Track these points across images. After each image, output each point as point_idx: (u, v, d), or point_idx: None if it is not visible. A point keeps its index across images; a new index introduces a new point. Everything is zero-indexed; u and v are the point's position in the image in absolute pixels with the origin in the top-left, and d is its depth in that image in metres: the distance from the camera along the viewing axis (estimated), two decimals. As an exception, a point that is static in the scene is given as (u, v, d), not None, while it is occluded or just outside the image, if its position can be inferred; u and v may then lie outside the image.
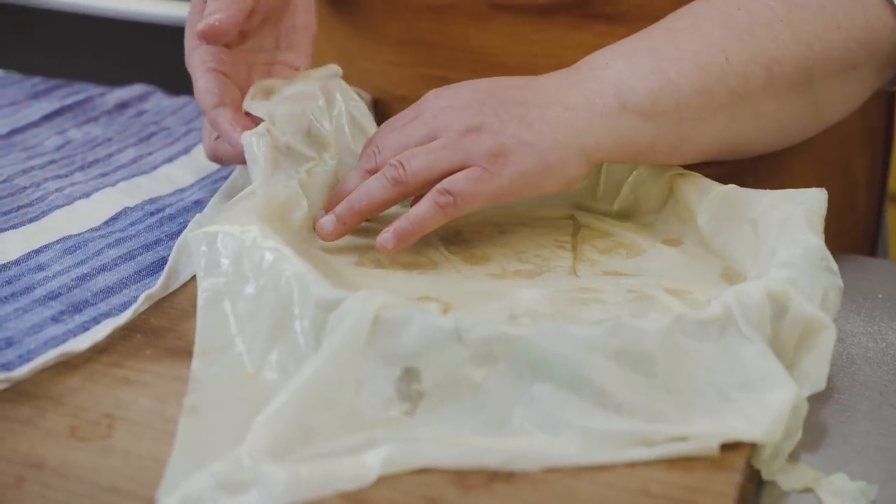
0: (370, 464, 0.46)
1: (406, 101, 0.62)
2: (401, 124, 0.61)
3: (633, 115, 0.59)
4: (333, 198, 0.62)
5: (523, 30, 0.62)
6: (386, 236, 0.58)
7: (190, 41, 0.66)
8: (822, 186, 0.80)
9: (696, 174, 0.63)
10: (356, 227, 0.60)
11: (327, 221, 0.60)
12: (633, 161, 0.62)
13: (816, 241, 0.54)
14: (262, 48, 0.68)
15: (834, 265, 0.53)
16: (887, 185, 0.89)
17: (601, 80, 0.60)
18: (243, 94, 0.65)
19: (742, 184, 0.63)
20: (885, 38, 0.63)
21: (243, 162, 0.62)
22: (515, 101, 0.59)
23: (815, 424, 0.51)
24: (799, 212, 0.56)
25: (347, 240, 0.61)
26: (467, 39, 0.63)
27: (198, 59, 0.64)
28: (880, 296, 0.62)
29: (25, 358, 0.51)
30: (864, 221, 0.86)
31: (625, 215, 0.65)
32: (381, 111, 0.82)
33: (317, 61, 0.83)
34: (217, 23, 0.63)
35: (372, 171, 0.61)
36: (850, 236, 0.84)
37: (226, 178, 0.69)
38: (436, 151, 0.59)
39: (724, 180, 0.63)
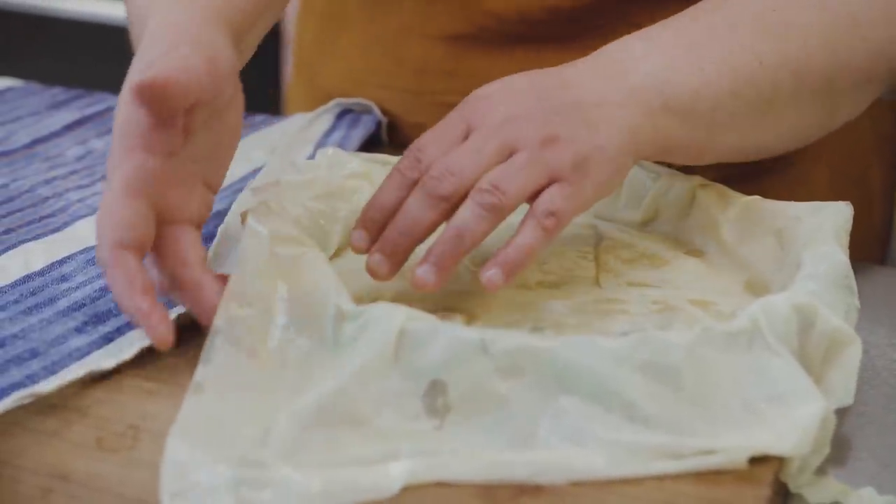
0: (394, 475, 0.46)
1: (423, 127, 0.58)
2: (450, 137, 0.56)
3: (674, 114, 0.57)
4: (371, 218, 0.56)
5: (545, 57, 0.60)
6: (492, 273, 0.52)
7: (119, 140, 0.53)
8: (837, 196, 0.80)
9: (719, 185, 0.63)
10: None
11: (426, 273, 0.53)
12: (660, 159, 0.60)
13: (842, 257, 0.53)
14: (195, 156, 0.55)
15: (854, 284, 0.53)
16: None
17: (642, 73, 0.57)
18: (176, 223, 0.53)
19: (761, 189, 0.63)
20: None
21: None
22: (570, 102, 0.56)
23: (842, 437, 0.51)
24: (827, 225, 0.56)
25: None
26: (487, 68, 0.60)
27: (121, 173, 0.52)
28: (904, 307, 0.62)
29: (50, 370, 0.51)
30: (879, 230, 0.86)
31: (647, 225, 0.65)
32: (395, 138, 0.81)
33: (331, 86, 0.83)
34: (162, 79, 0.50)
35: (413, 182, 0.55)
36: (864, 246, 0.84)
37: (251, 176, 0.69)
38: (522, 169, 0.54)
39: (743, 185, 0.63)
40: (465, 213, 0.53)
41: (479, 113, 0.56)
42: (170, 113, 0.52)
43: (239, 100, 0.57)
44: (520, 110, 0.55)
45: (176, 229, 0.53)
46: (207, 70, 0.52)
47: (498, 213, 0.53)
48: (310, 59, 0.88)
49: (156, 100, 0.50)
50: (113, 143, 0.53)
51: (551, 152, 0.54)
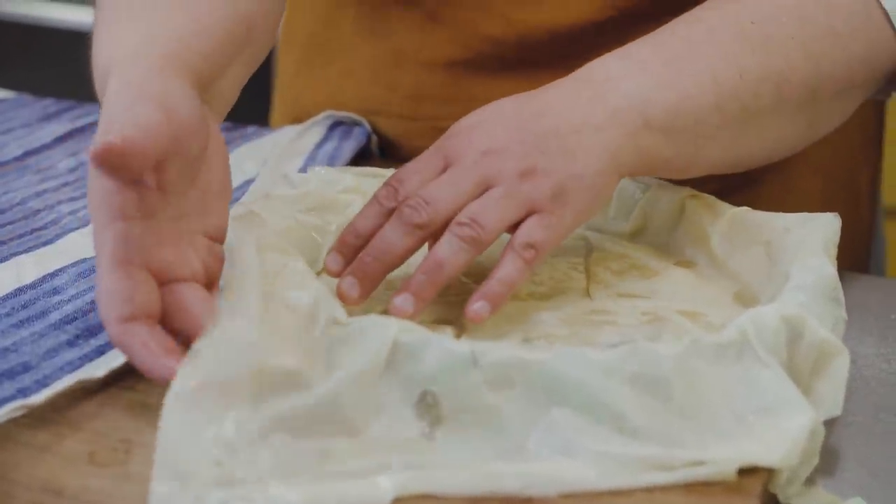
0: (385, 486, 0.46)
1: (422, 150, 0.58)
2: (430, 170, 0.57)
3: (656, 132, 0.58)
4: (346, 243, 0.57)
5: (543, 80, 0.60)
6: (478, 306, 0.53)
7: (96, 214, 0.51)
8: (828, 201, 0.80)
9: (709, 196, 0.63)
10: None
11: (405, 302, 0.54)
12: (646, 175, 0.60)
13: (831, 269, 0.54)
14: (184, 212, 0.53)
15: (842, 297, 0.54)
16: (880, 195, 0.89)
17: (622, 93, 0.58)
18: (174, 283, 0.51)
19: (750, 202, 0.63)
20: (884, 59, 0.63)
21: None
22: (548, 131, 0.57)
23: (831, 448, 0.51)
24: (816, 237, 0.56)
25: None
26: (485, 93, 0.60)
27: (105, 247, 0.50)
28: (893, 317, 0.62)
29: (42, 383, 0.51)
30: (867, 230, 0.87)
31: (637, 237, 0.65)
32: (396, 154, 0.81)
33: (317, 113, 0.82)
34: (118, 143, 0.47)
35: (390, 211, 0.56)
36: (851, 249, 0.84)
37: (244, 186, 0.69)
38: (499, 202, 0.55)
39: (730, 199, 0.63)
40: (445, 245, 0.54)
41: (458, 147, 0.57)
42: (133, 175, 0.50)
43: (219, 146, 0.55)
44: (497, 144, 0.56)
45: (176, 288, 0.52)
46: (166, 124, 0.50)
47: (476, 245, 0.55)
48: (293, 88, 0.88)
49: (116, 165, 0.48)
50: (92, 218, 0.52)
51: (529, 184, 0.55)
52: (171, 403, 0.46)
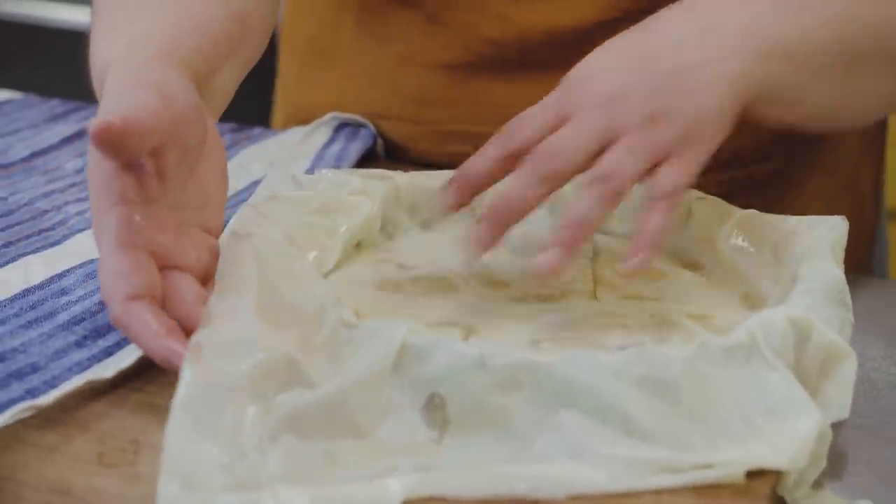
0: (393, 489, 0.46)
1: (427, 154, 0.59)
2: (546, 122, 0.56)
3: (775, 58, 0.57)
4: (461, 183, 0.56)
5: (545, 81, 0.60)
6: (640, 258, 0.53)
7: (97, 200, 0.52)
8: (833, 202, 0.80)
9: (716, 198, 0.63)
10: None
11: (554, 256, 0.53)
12: (752, 114, 0.59)
13: (838, 272, 0.54)
14: (183, 204, 0.54)
15: (849, 300, 0.54)
16: (883, 196, 0.89)
17: (738, 23, 0.57)
18: (170, 269, 0.52)
19: (756, 204, 0.63)
20: None
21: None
22: (669, 69, 0.56)
23: (839, 451, 0.51)
24: (823, 240, 0.56)
25: (369, 263, 0.62)
26: (488, 95, 0.60)
27: (108, 229, 0.51)
28: (900, 319, 0.62)
29: (50, 384, 0.52)
30: (869, 233, 0.87)
31: (644, 238, 0.65)
32: (399, 154, 0.81)
33: (330, 111, 0.82)
34: (118, 121, 0.48)
35: (511, 156, 0.56)
36: (855, 249, 0.84)
37: (251, 188, 0.69)
38: (631, 153, 0.54)
39: (737, 200, 0.63)
40: (584, 203, 0.54)
41: (577, 97, 0.56)
42: (131, 155, 0.50)
43: (216, 142, 0.56)
44: (618, 89, 0.56)
45: (171, 274, 0.52)
46: (163, 107, 0.51)
47: (615, 199, 0.54)
48: (295, 93, 0.88)
49: (114, 143, 0.49)
50: (92, 204, 0.52)
51: (656, 131, 0.55)
52: (179, 404, 0.46)
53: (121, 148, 0.49)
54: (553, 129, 0.56)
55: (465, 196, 0.57)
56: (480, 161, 0.57)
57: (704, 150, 0.56)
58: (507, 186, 0.55)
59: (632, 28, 0.59)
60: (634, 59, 0.57)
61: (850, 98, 0.62)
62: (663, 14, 0.59)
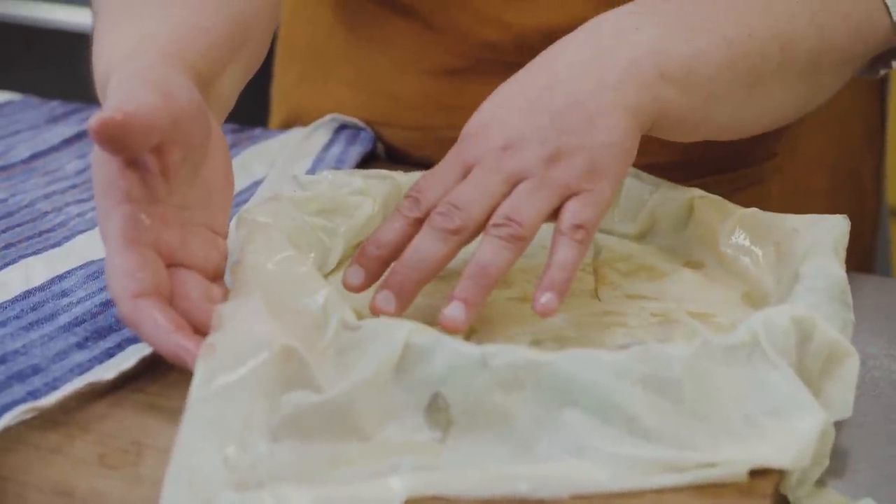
0: (396, 488, 0.46)
1: (429, 159, 0.57)
2: (451, 177, 0.56)
3: (671, 83, 0.57)
4: (369, 256, 0.56)
5: None
6: (546, 299, 0.52)
7: (102, 200, 0.52)
8: (834, 197, 0.80)
9: (717, 197, 0.63)
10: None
11: (457, 311, 0.52)
12: (659, 135, 0.59)
13: (839, 271, 0.54)
14: (188, 204, 0.54)
15: (850, 299, 0.54)
16: (884, 191, 0.89)
17: (634, 45, 0.57)
18: (176, 266, 0.52)
19: (758, 201, 0.63)
20: (879, 33, 0.64)
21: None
22: (563, 105, 0.55)
23: (841, 449, 0.51)
24: (825, 238, 0.56)
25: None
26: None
27: (114, 227, 0.51)
28: (902, 317, 0.62)
29: (52, 385, 0.52)
30: (871, 228, 0.87)
31: (645, 238, 0.65)
32: (401, 158, 0.81)
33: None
34: (119, 115, 0.48)
35: (418, 220, 0.55)
36: (857, 244, 0.85)
37: (252, 188, 0.69)
38: (533, 195, 0.54)
39: (738, 198, 0.63)
40: (486, 248, 0.53)
41: (475, 148, 0.56)
42: (133, 152, 0.50)
43: (220, 143, 0.56)
44: (515, 135, 0.55)
45: (178, 272, 0.52)
46: (165, 104, 0.51)
47: (518, 243, 0.53)
48: (293, 100, 0.87)
49: (115, 138, 0.49)
50: (97, 203, 0.52)
51: (558, 169, 0.54)
52: (191, 405, 0.46)
53: (122, 143, 0.49)
54: (454, 187, 0.55)
55: (376, 270, 0.55)
56: (388, 231, 0.55)
57: (611, 181, 0.55)
58: (410, 248, 0.54)
59: (525, 67, 0.58)
60: (526, 101, 0.56)
61: (753, 112, 0.61)
62: (556, 45, 0.58)
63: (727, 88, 0.59)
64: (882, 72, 0.68)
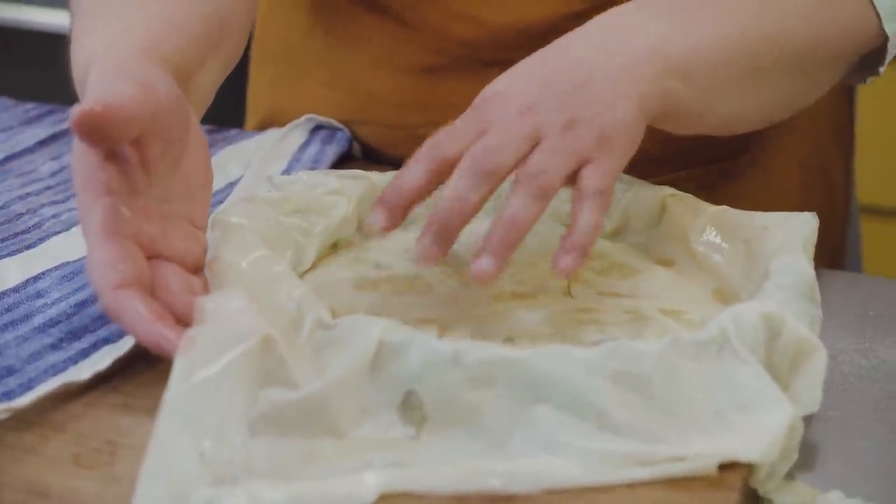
0: (369, 483, 0.46)
1: (404, 158, 0.57)
2: (468, 134, 0.56)
3: (676, 76, 0.58)
4: (391, 202, 0.56)
5: None
6: (570, 259, 0.53)
7: (82, 192, 0.52)
8: (806, 193, 0.81)
9: (689, 195, 0.64)
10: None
11: (487, 264, 0.53)
12: (661, 126, 0.61)
13: (808, 269, 0.55)
14: (168, 197, 0.55)
15: (818, 296, 0.54)
16: (854, 185, 0.90)
17: (644, 37, 0.59)
18: (157, 258, 0.53)
19: (730, 197, 0.64)
20: (867, 34, 0.65)
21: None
22: (579, 84, 0.57)
23: (810, 442, 0.52)
24: (794, 236, 0.57)
25: (345, 263, 0.62)
26: (465, 95, 0.60)
27: (94, 219, 0.51)
28: (871, 313, 0.63)
29: (26, 386, 0.52)
30: (841, 223, 0.88)
31: (618, 236, 0.66)
32: (376, 157, 0.81)
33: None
34: (99, 106, 0.49)
35: (439, 169, 0.55)
36: (828, 239, 0.85)
37: (227, 189, 0.69)
38: (554, 153, 0.55)
39: (711, 193, 0.64)
40: (516, 201, 0.54)
41: (494, 110, 0.57)
42: (113, 143, 0.51)
43: (199, 138, 0.57)
44: (534, 100, 0.56)
45: (158, 263, 0.53)
46: (144, 96, 0.51)
47: (545, 195, 0.54)
48: (269, 101, 0.88)
49: (96, 130, 0.50)
50: (77, 196, 0.52)
51: (574, 136, 0.55)
52: (169, 399, 0.46)
53: (102, 135, 0.50)
54: (476, 141, 0.56)
55: (398, 215, 0.56)
56: (410, 177, 0.56)
57: (621, 157, 0.57)
58: (447, 192, 0.55)
59: (535, 53, 0.60)
60: (542, 77, 0.58)
61: (754, 106, 0.64)
62: (567, 37, 0.60)
63: (726, 82, 0.61)
64: (869, 79, 0.70)
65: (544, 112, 0.56)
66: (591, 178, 0.55)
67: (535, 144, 0.56)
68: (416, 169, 0.56)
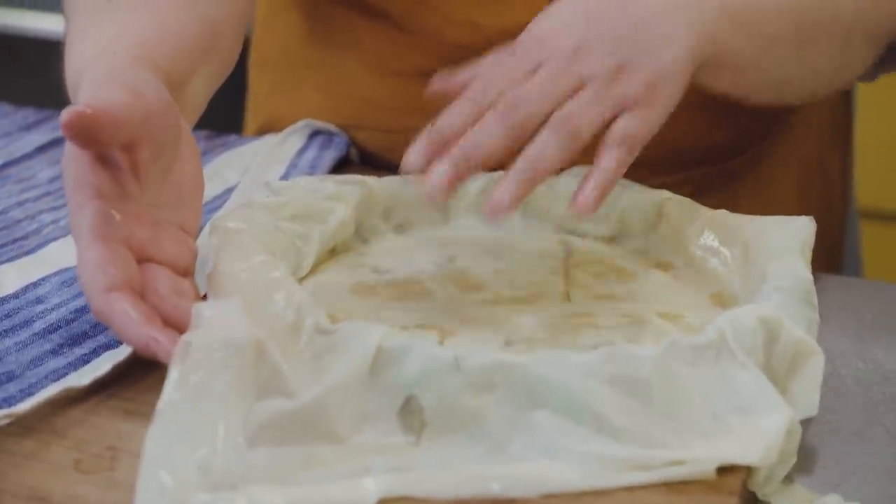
0: (369, 488, 0.46)
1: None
2: (517, 72, 0.56)
3: (729, 21, 0.59)
4: (432, 138, 0.56)
5: None
6: (588, 193, 0.54)
7: (73, 196, 0.52)
8: (803, 195, 0.81)
9: (686, 199, 0.64)
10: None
11: (505, 193, 0.53)
12: (703, 79, 0.60)
13: (806, 273, 0.55)
14: (159, 203, 0.55)
15: (815, 299, 0.55)
16: (852, 191, 0.91)
17: None
18: (147, 262, 0.53)
19: (728, 199, 0.64)
20: None
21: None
22: (634, 21, 0.57)
23: (809, 446, 0.52)
24: (791, 240, 0.57)
25: (344, 268, 0.62)
26: None
27: (85, 222, 0.51)
28: (868, 316, 0.63)
29: (27, 392, 0.52)
30: (839, 225, 0.88)
31: (615, 240, 0.66)
32: (374, 161, 0.81)
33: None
34: (90, 109, 0.50)
35: (479, 111, 0.55)
36: (826, 241, 0.86)
37: (225, 195, 0.69)
38: (594, 100, 0.55)
39: (709, 196, 0.64)
40: (543, 140, 0.54)
41: (545, 48, 0.57)
42: (103, 145, 0.51)
43: (191, 145, 0.57)
44: (586, 38, 0.56)
45: (148, 267, 0.53)
46: (134, 101, 0.52)
47: (575, 141, 0.54)
48: (267, 108, 0.88)
49: (86, 131, 0.50)
50: (68, 200, 0.53)
51: (620, 82, 0.56)
52: (164, 405, 0.46)
53: (92, 137, 0.50)
54: (522, 82, 0.56)
55: (438, 153, 0.56)
56: (449, 119, 0.56)
57: (664, 105, 0.57)
58: (473, 130, 0.55)
59: None
60: (595, 12, 0.58)
61: (797, 71, 0.64)
62: None
63: (774, 38, 0.61)
64: (879, 76, 0.71)
65: (592, 56, 0.56)
66: (622, 124, 0.55)
67: (578, 89, 0.56)
68: (461, 110, 0.56)
